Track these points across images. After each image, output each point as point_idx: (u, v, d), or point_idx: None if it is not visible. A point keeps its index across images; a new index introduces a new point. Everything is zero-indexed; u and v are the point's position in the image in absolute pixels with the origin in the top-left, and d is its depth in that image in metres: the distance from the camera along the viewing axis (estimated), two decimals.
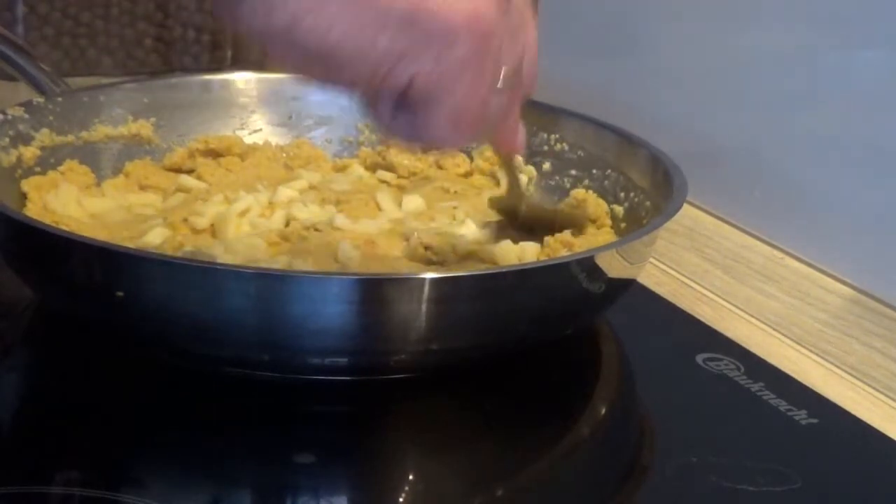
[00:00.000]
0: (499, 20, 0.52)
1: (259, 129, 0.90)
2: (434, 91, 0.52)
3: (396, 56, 0.50)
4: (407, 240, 0.73)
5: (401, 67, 0.51)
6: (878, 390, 0.71)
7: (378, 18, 0.49)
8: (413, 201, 0.82)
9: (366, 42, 0.50)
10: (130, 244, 0.71)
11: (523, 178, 0.82)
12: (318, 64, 0.51)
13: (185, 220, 0.75)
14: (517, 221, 0.79)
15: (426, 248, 0.73)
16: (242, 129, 0.90)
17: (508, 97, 0.57)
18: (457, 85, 0.52)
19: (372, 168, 0.89)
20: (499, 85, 0.55)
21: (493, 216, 0.80)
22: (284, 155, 0.89)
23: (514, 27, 0.55)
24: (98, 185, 0.82)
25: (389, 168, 0.88)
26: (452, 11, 0.50)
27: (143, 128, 0.85)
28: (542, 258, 0.74)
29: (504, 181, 0.76)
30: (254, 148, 0.88)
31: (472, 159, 0.89)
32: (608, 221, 0.81)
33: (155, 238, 0.73)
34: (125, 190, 0.82)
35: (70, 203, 0.78)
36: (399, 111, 0.53)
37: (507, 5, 0.53)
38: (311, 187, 0.84)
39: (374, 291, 0.60)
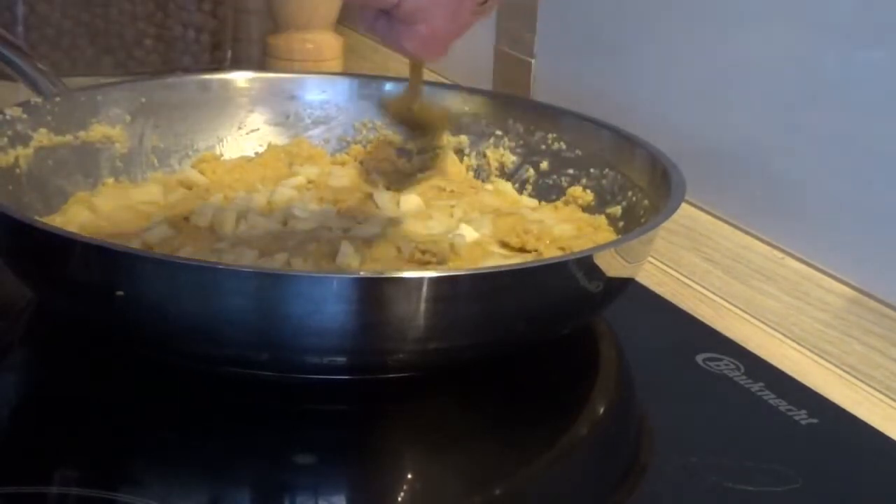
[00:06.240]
0: None
1: (257, 129, 0.90)
2: (417, 14, 0.60)
3: None
4: (400, 250, 0.73)
5: None
6: (878, 390, 0.71)
7: None
8: (411, 201, 0.82)
9: None
10: (132, 243, 0.71)
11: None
12: None
13: (187, 219, 0.76)
14: (410, 120, 0.81)
15: (423, 252, 0.73)
16: (240, 128, 0.90)
17: (471, 24, 0.64)
18: (436, 13, 0.61)
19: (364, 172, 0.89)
20: (470, 14, 0.63)
21: (491, 214, 0.80)
22: (284, 154, 0.89)
23: None
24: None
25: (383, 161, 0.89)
26: None
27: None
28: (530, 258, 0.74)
29: (410, 83, 0.80)
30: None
31: (467, 158, 0.90)
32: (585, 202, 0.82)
33: (156, 236, 0.73)
34: (126, 185, 0.83)
35: (71, 202, 0.78)
36: (381, 17, 0.62)
37: None
38: (310, 181, 0.84)
39: (373, 290, 0.60)
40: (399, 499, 0.60)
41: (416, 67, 0.78)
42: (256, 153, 0.89)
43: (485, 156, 0.89)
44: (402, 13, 0.60)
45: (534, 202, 0.86)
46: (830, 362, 0.74)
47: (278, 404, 0.64)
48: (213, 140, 0.89)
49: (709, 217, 0.87)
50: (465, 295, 0.62)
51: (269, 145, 0.89)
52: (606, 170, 0.83)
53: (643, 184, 0.79)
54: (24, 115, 0.79)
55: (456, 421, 0.65)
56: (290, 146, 0.90)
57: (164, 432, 0.62)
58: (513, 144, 0.89)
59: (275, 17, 1.17)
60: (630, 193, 0.81)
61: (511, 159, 0.89)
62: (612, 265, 0.66)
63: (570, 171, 0.86)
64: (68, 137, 0.82)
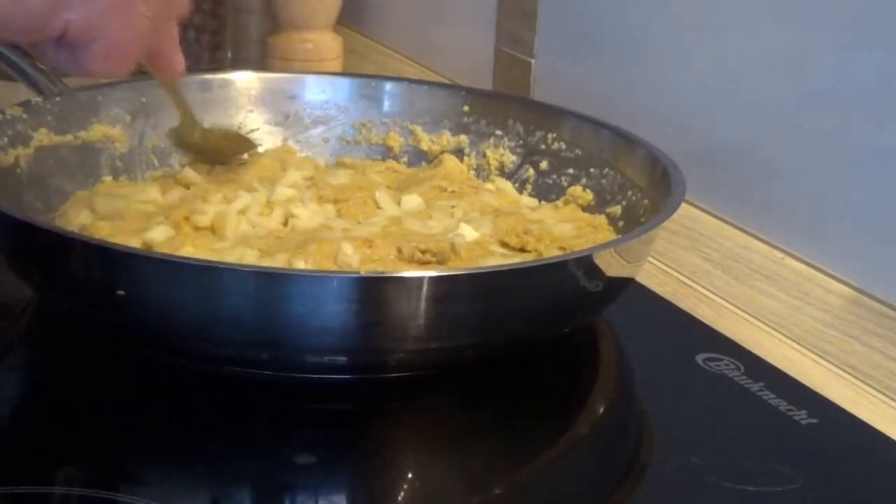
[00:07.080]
0: None
1: (256, 129, 0.90)
2: (86, 35, 0.59)
3: (48, 10, 0.58)
4: (400, 250, 0.73)
5: (55, 19, 0.58)
6: (878, 390, 0.71)
7: None
8: (412, 200, 0.82)
9: (14, 5, 0.57)
10: (132, 242, 0.71)
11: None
12: None
13: (187, 219, 0.75)
14: (194, 149, 0.84)
15: (423, 251, 0.73)
16: (240, 128, 0.90)
17: (163, 27, 0.66)
18: (105, 28, 0.60)
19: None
20: (147, 19, 0.62)
21: (491, 214, 0.80)
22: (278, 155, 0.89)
23: None
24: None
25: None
26: None
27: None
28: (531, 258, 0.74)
29: (178, 111, 0.83)
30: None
31: (468, 158, 0.90)
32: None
33: (157, 236, 0.73)
34: (126, 185, 0.83)
35: (71, 202, 0.78)
36: (59, 48, 0.61)
37: None
38: (307, 179, 0.84)
39: (373, 290, 0.60)
40: (399, 499, 0.60)
41: (171, 92, 0.80)
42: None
43: (485, 156, 0.90)
44: (72, 38, 0.59)
45: (534, 202, 0.86)
46: (830, 362, 0.74)
47: (278, 404, 0.64)
48: None
49: (709, 217, 0.87)
50: (465, 295, 0.62)
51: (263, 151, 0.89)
52: (606, 169, 0.83)
53: (643, 184, 0.79)
54: (25, 115, 0.79)
55: (456, 421, 0.65)
56: (275, 151, 0.89)
57: (164, 432, 0.62)
58: (513, 144, 0.89)
59: (275, 17, 1.17)
60: (630, 193, 0.80)
61: (511, 159, 0.89)
62: (612, 265, 0.66)
63: (570, 170, 0.86)
64: (68, 137, 0.82)
